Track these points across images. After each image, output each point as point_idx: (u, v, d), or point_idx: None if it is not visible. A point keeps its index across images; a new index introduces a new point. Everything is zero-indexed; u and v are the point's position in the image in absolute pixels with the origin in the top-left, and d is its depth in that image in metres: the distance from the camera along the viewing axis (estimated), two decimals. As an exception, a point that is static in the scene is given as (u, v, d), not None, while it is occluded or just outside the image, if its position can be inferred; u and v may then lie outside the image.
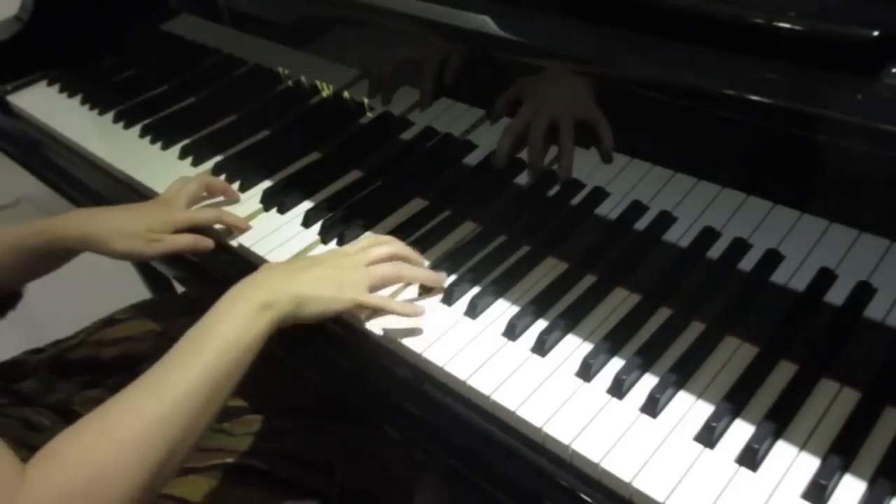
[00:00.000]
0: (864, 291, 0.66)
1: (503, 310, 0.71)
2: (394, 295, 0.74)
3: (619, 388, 0.62)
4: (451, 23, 0.75)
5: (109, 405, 0.58)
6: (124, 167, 1.02)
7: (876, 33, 0.54)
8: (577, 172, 0.83)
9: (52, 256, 0.85)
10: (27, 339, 1.00)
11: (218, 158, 1.00)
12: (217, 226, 0.87)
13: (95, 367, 0.91)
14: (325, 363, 0.73)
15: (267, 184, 0.93)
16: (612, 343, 0.66)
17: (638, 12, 0.65)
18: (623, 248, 0.75)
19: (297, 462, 0.80)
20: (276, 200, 0.89)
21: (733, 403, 0.59)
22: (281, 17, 1.02)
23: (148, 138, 1.07)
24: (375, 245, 0.74)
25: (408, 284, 0.75)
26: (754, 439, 0.56)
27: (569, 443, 0.59)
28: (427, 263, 0.77)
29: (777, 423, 0.58)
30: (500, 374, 0.65)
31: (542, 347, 0.66)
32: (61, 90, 1.24)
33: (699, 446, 0.58)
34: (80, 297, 1.44)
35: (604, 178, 0.81)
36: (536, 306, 0.70)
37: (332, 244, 0.83)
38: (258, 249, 0.83)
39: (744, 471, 0.56)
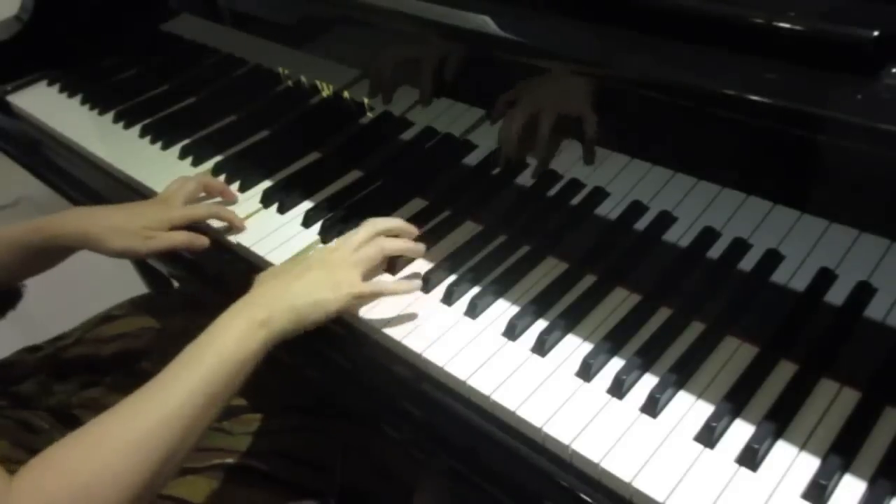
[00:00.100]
0: (864, 291, 0.66)
1: (503, 310, 0.71)
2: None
3: (619, 388, 0.62)
4: (451, 23, 0.75)
5: (105, 417, 0.59)
6: (124, 167, 1.02)
7: (876, 33, 0.54)
8: (577, 172, 0.83)
9: (49, 254, 0.85)
10: (24, 337, 1.00)
11: (218, 158, 1.00)
12: (215, 224, 0.87)
13: (93, 365, 0.91)
14: (325, 363, 0.73)
15: (267, 184, 0.93)
16: (612, 343, 0.66)
17: (638, 12, 0.65)
18: (623, 248, 0.75)
19: (296, 462, 0.80)
20: (276, 200, 0.89)
21: (733, 403, 0.59)
22: (281, 17, 1.02)
23: (148, 138, 1.07)
24: (356, 232, 0.75)
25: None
26: (754, 439, 0.56)
27: (569, 443, 0.59)
28: (417, 233, 0.78)
29: (777, 423, 0.58)
30: (500, 374, 0.65)
31: (542, 347, 0.66)
32: (61, 90, 1.24)
33: (699, 446, 0.58)
34: (77, 294, 1.44)
35: (604, 178, 0.81)
36: (536, 306, 0.70)
37: (333, 245, 0.83)
38: (258, 249, 0.83)
39: (744, 471, 0.56)
